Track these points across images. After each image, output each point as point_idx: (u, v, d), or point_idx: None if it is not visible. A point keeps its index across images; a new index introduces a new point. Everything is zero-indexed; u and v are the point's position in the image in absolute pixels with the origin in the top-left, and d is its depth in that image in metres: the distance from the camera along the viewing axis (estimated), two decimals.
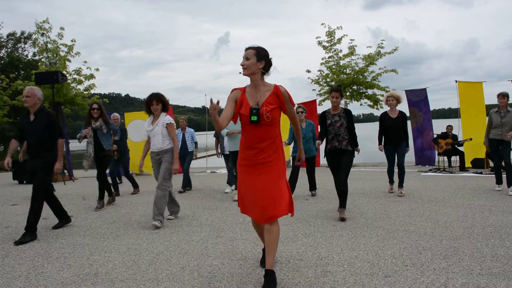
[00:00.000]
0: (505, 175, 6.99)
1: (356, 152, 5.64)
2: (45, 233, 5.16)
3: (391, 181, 7.47)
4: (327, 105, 21.43)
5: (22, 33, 34.28)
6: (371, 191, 7.69)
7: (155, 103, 5.44)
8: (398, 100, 7.08)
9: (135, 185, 8.78)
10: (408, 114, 12.62)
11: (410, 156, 13.33)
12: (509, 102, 7.09)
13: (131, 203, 7.29)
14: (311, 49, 20.73)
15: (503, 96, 6.94)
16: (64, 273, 3.61)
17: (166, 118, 5.48)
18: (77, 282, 3.37)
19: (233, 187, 8.12)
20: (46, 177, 5.01)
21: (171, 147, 5.45)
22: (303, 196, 7.39)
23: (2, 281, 3.47)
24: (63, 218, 5.54)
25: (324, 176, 10.55)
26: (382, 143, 7.24)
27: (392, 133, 7.02)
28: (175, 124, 5.61)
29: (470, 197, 6.69)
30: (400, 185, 7.10)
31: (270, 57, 3.29)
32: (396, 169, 7.23)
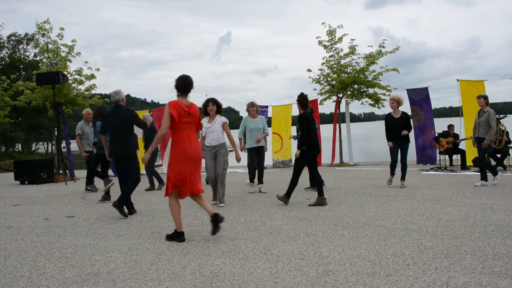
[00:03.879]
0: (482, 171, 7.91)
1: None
2: (47, 233, 5.17)
3: (392, 174, 8.07)
4: (328, 104, 21.40)
5: (26, 34, 34.37)
6: (372, 190, 7.69)
7: (211, 105, 6.62)
8: (398, 102, 7.87)
9: (160, 181, 9.19)
10: (409, 113, 12.64)
11: (411, 155, 13.32)
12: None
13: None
14: (312, 49, 20.74)
15: (479, 97, 7.80)
16: (66, 273, 3.62)
17: (222, 118, 6.65)
18: (79, 282, 3.38)
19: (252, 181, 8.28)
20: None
21: (224, 141, 6.64)
22: (304, 195, 7.39)
23: (4, 282, 3.48)
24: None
25: (325, 175, 10.55)
26: (389, 140, 7.99)
27: (396, 132, 7.77)
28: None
29: (472, 196, 6.68)
30: (403, 178, 7.93)
31: (176, 82, 4.49)
32: (399, 164, 8.00)
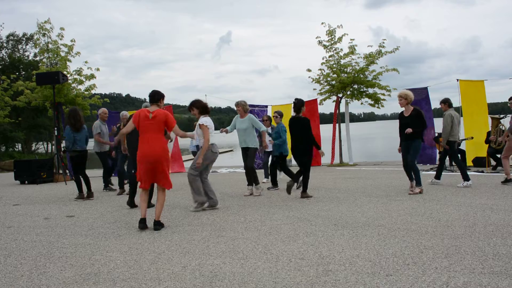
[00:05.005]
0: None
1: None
2: (47, 233, 5.17)
3: (411, 178, 7.36)
4: (327, 104, 21.35)
5: (24, 34, 34.38)
6: (372, 190, 7.68)
7: (191, 111, 6.50)
8: (406, 99, 7.15)
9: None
10: None
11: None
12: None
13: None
14: (312, 48, 20.78)
15: (440, 103, 8.01)
16: (66, 273, 3.62)
17: (200, 119, 6.31)
18: (79, 282, 3.38)
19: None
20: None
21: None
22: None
23: (4, 281, 3.48)
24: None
25: (325, 175, 10.56)
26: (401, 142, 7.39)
27: (404, 130, 7.10)
28: (212, 125, 6.30)
29: (472, 196, 6.68)
30: (417, 183, 7.15)
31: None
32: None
